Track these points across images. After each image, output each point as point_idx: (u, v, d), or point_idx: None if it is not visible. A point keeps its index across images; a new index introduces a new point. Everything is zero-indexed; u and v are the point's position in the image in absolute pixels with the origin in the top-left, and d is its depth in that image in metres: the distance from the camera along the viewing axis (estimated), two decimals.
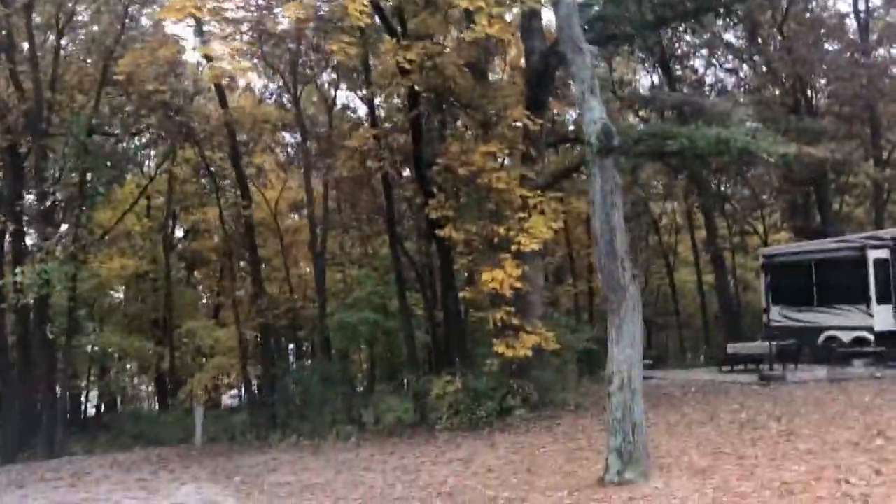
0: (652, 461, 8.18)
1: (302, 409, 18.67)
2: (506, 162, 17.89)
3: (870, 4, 24.42)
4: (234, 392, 34.61)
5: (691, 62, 29.23)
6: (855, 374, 16.72)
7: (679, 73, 28.44)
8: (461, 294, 14.94)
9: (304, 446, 14.92)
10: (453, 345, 17.05)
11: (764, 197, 32.34)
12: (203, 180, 27.07)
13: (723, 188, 31.12)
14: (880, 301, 18.81)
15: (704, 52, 28.29)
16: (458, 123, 17.36)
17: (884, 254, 18.93)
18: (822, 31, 24.45)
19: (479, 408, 14.38)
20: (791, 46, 23.71)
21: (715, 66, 29.71)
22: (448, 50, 15.23)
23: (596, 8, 12.13)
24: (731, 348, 20.88)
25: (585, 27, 9.95)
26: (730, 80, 29.56)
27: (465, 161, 13.38)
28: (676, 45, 26.77)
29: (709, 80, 30.02)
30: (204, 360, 30.01)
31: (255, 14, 14.29)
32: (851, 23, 25.35)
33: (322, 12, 13.16)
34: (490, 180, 12.99)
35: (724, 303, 27.58)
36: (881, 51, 25.24)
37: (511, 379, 14.63)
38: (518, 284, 13.04)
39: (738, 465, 8.29)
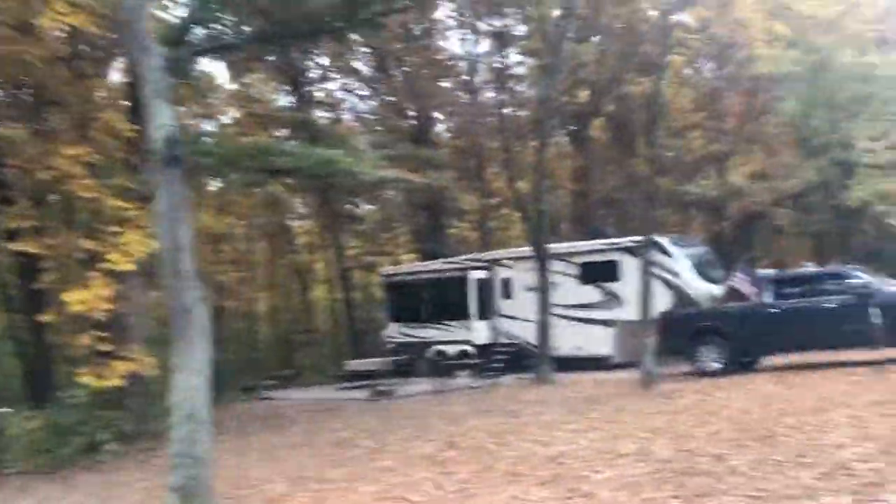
0: (224, 495, 7.69)
1: None
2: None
3: (478, 49, 27.10)
4: None
5: (327, 85, 30.05)
6: (457, 386, 18.03)
7: (318, 95, 29.23)
8: (44, 317, 13.09)
9: None
10: (41, 375, 14.98)
11: (395, 221, 34.30)
12: None
13: (355, 208, 32.29)
14: (479, 317, 20.83)
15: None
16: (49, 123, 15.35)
17: (483, 274, 21.01)
18: (439, 68, 26.58)
19: (64, 445, 12.71)
20: (413, 80, 25.44)
21: (350, 91, 30.76)
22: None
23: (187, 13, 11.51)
24: (351, 365, 21.56)
25: (181, 31, 9.25)
26: (363, 107, 30.86)
27: (47, 164, 11.75)
28: (309, 66, 27.32)
29: (347, 104, 31.03)
30: None
31: None
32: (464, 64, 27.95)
33: None
34: (76, 187, 11.57)
35: (352, 320, 28.47)
36: (487, 93, 28.18)
37: (104, 410, 13.17)
38: (108, 305, 11.75)
39: (315, 490, 8.15)
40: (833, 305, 13.72)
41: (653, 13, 14.94)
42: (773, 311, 14.48)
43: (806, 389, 11.61)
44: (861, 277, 13.92)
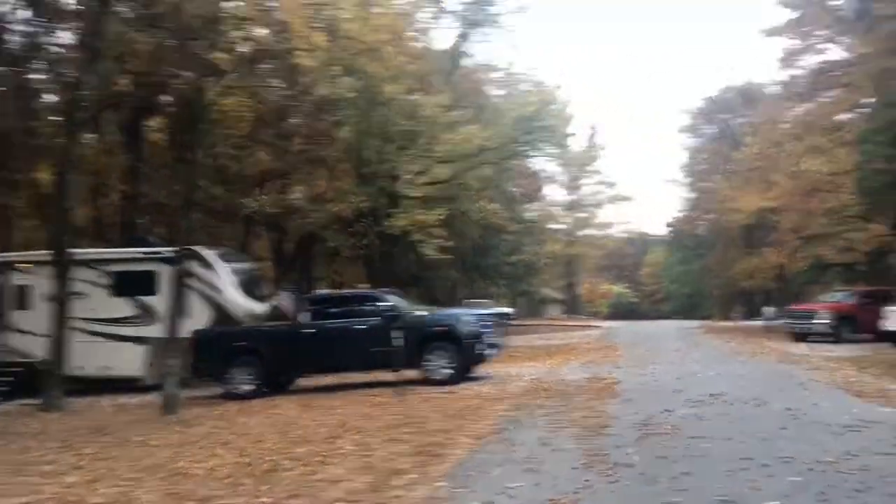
0: None
1: None
2: None
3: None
4: None
5: None
6: None
7: None
8: None
9: None
10: None
11: None
12: None
13: None
14: None
15: None
16: None
17: None
18: None
19: None
20: None
21: None
22: None
23: None
24: None
25: None
26: None
27: None
28: None
29: None
30: None
31: None
32: None
33: None
34: None
35: None
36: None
37: None
38: None
39: None
40: (362, 327, 13.99)
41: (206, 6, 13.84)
42: (307, 331, 14.26)
43: (329, 414, 11.40)
44: (389, 301, 14.43)
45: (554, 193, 66.49)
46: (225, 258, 17.67)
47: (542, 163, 51.33)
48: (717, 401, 10.40)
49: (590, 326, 45.37)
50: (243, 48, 16.82)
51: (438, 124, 22.96)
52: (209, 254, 16.99)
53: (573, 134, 49.18)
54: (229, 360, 14.29)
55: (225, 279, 16.86)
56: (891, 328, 20.81)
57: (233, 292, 16.87)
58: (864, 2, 24.36)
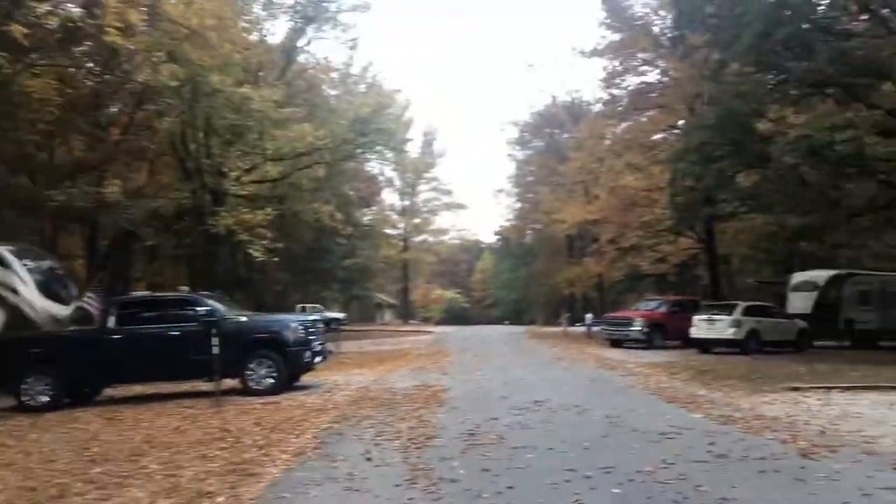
0: None
1: None
2: None
3: None
4: None
5: None
6: None
7: None
8: None
9: None
10: None
11: None
12: None
13: None
14: None
15: None
16: None
17: None
18: None
19: None
20: None
21: None
22: None
23: None
24: None
25: None
26: None
27: None
28: None
29: None
30: None
31: None
32: None
33: None
34: None
35: None
36: None
37: None
38: None
39: None
40: (177, 333, 13.00)
41: None
42: (114, 337, 13.05)
43: (135, 428, 10.42)
44: (208, 305, 13.52)
45: (391, 198, 66.75)
46: (23, 255, 15.89)
47: (379, 167, 51.26)
48: (541, 408, 10.51)
49: (422, 332, 45.70)
50: (50, 23, 15.13)
51: (269, 120, 22.01)
52: (4, 250, 15.21)
53: (411, 139, 49.39)
54: (22, 369, 12.80)
55: (22, 278, 15.15)
56: (697, 335, 22.39)
57: (31, 293, 15.18)
58: (679, 29, 26.10)
